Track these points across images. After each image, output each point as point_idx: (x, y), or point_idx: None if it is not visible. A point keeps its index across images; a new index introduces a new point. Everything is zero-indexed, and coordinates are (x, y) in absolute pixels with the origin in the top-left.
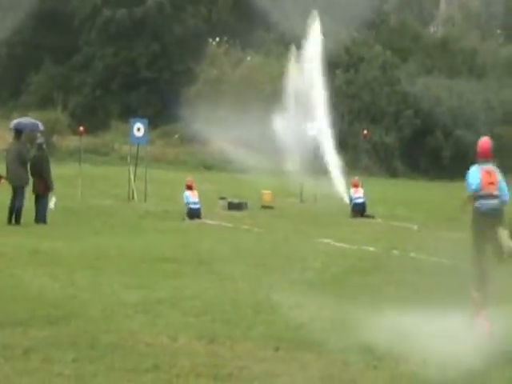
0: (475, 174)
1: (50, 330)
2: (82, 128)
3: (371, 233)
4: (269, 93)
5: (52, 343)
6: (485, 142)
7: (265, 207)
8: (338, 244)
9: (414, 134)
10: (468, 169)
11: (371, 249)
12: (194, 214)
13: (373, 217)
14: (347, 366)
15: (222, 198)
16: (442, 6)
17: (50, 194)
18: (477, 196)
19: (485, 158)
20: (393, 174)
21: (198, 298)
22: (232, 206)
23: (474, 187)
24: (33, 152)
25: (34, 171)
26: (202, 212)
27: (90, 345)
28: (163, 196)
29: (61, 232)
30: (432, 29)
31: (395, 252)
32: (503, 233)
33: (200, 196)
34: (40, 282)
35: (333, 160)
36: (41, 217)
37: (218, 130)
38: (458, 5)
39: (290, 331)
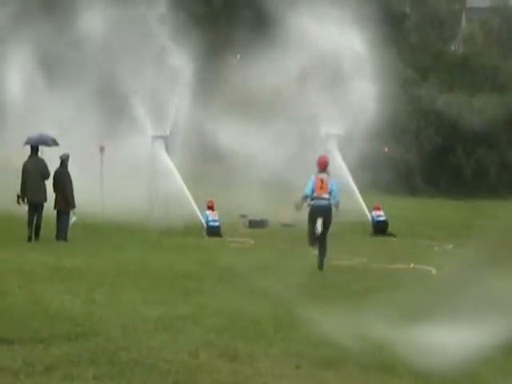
0: (311, 181)
1: (70, 346)
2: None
3: (392, 251)
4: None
5: (72, 360)
6: (323, 157)
7: (285, 225)
8: (358, 262)
9: (435, 152)
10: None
11: (391, 266)
12: (213, 231)
13: (394, 236)
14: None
15: (243, 216)
16: (463, 23)
17: (72, 212)
18: (312, 197)
19: (322, 169)
20: (413, 192)
21: (219, 315)
22: (253, 224)
23: (309, 191)
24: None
25: (57, 187)
26: (223, 229)
27: (110, 362)
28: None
29: (81, 248)
30: (453, 46)
31: (416, 269)
32: (319, 220)
33: (220, 214)
34: (60, 298)
35: (352, 177)
36: (62, 234)
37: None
38: (479, 22)
39: (311, 348)
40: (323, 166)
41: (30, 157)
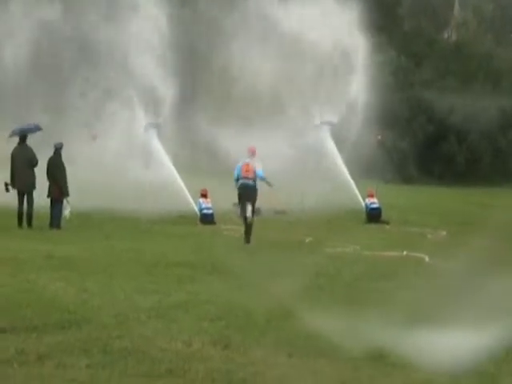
0: (240, 165)
1: (63, 335)
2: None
3: (385, 238)
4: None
5: (65, 349)
6: (251, 146)
7: (278, 212)
8: (351, 249)
9: (428, 140)
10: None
11: (385, 254)
12: (206, 219)
13: (387, 223)
14: (359, 372)
15: (236, 205)
16: (456, 10)
17: (65, 201)
18: (240, 177)
19: (249, 155)
20: (407, 179)
21: (212, 304)
22: None
23: (237, 172)
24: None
25: (50, 175)
26: (216, 217)
27: (103, 350)
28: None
29: (74, 237)
30: (446, 34)
31: (409, 257)
32: (249, 206)
33: (213, 202)
34: (54, 287)
35: (345, 164)
36: (55, 222)
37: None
38: (473, 9)
39: (303, 337)
40: (251, 153)
41: (17, 145)
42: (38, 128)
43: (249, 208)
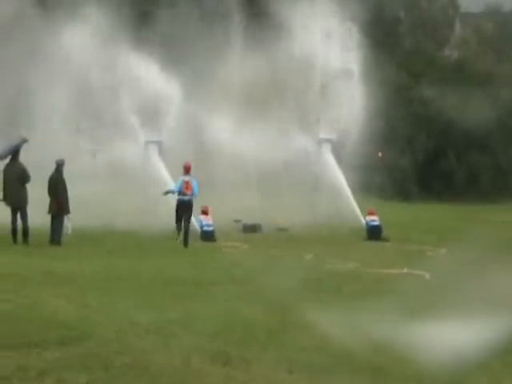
0: (179, 181)
1: (63, 351)
2: None
3: (386, 256)
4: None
5: (65, 365)
6: (187, 163)
7: (279, 229)
8: (352, 266)
9: (428, 157)
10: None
11: (385, 271)
12: (207, 236)
13: (388, 240)
14: None
15: (237, 221)
16: (457, 28)
17: (66, 218)
18: (180, 193)
19: (186, 172)
20: (406, 196)
21: (211, 320)
22: (247, 228)
23: (176, 189)
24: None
25: (51, 191)
26: (216, 234)
27: (103, 366)
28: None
29: (74, 253)
30: (446, 51)
31: (410, 274)
32: (192, 219)
33: (214, 219)
34: (54, 302)
35: (345, 181)
36: (56, 238)
37: None
38: (473, 27)
39: (304, 353)
40: (187, 170)
41: (9, 161)
42: (24, 140)
43: (184, 219)
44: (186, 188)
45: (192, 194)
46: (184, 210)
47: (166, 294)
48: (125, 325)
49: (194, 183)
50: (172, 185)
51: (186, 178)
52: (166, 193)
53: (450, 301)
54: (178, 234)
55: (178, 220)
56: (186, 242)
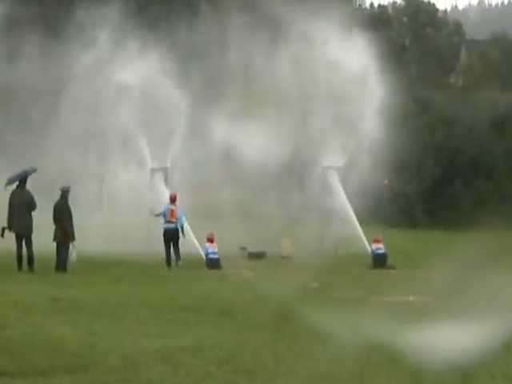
0: (165, 208)
1: (70, 378)
2: None
3: (392, 283)
4: None
5: None
6: (173, 193)
7: (284, 257)
8: (357, 294)
9: (434, 184)
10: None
11: (391, 299)
12: (212, 263)
13: (393, 268)
14: None
15: (243, 248)
16: (463, 55)
17: (71, 245)
18: (166, 220)
19: (172, 202)
20: (413, 224)
21: (220, 348)
22: (252, 256)
23: (165, 211)
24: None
25: (56, 219)
26: (222, 262)
27: None
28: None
29: (81, 280)
30: (452, 79)
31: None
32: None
33: (219, 246)
34: (60, 330)
35: (351, 208)
36: (61, 265)
37: None
38: (479, 54)
39: (312, 381)
40: (173, 200)
41: (16, 188)
42: (33, 170)
43: (173, 245)
44: (171, 215)
45: (177, 222)
46: (170, 236)
47: (173, 321)
48: (132, 352)
49: (179, 212)
50: (161, 208)
51: (172, 207)
52: (157, 215)
53: (454, 327)
54: (168, 263)
55: (167, 248)
56: (177, 261)
